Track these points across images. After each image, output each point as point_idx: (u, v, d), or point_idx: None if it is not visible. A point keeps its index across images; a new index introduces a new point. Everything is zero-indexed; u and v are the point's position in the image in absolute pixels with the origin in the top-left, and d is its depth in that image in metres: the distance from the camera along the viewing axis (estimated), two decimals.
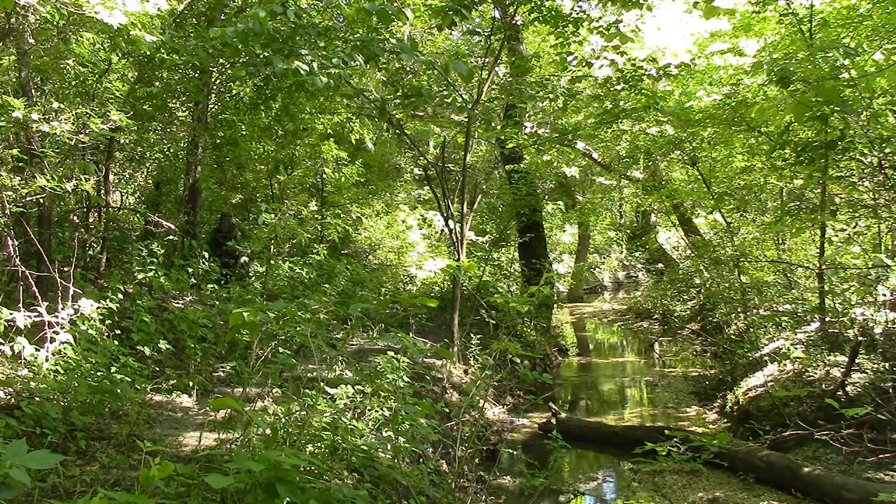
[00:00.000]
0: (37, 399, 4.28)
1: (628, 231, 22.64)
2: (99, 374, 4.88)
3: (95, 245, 7.82)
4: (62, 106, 6.90)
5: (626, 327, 15.92)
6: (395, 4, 5.92)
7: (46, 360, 4.86)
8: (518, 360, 4.88)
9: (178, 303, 6.99)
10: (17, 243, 5.84)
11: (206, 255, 7.88)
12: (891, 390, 5.69)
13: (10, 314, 4.93)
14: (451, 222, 8.57)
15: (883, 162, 6.47)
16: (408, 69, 7.59)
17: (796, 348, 7.18)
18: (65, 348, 5.06)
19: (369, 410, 4.64)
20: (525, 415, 8.04)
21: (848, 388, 6.08)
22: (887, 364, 6.04)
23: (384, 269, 12.25)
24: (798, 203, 8.75)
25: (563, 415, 7.58)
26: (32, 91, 6.62)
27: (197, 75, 7.76)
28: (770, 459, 5.48)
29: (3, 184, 5.73)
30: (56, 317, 5.19)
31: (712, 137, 10.40)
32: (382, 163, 14.77)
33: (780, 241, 11.51)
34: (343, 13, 6.18)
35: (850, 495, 4.69)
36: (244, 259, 8.92)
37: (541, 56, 11.53)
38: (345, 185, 12.55)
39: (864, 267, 7.34)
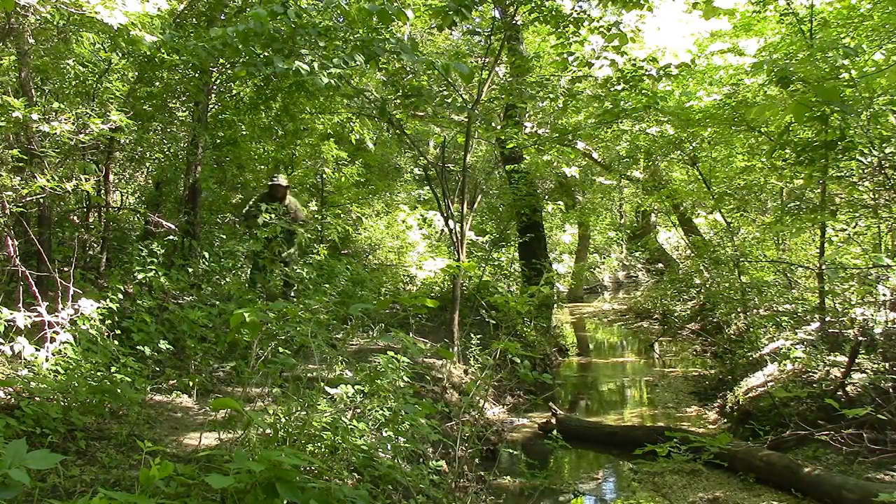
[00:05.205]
0: (37, 399, 4.27)
1: (628, 231, 22.63)
2: (99, 374, 4.88)
3: (95, 245, 7.81)
4: (62, 106, 6.90)
5: (626, 327, 15.92)
6: (396, 4, 5.92)
7: (46, 360, 4.86)
8: (518, 360, 4.88)
9: (178, 303, 6.99)
10: (17, 243, 5.84)
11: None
12: (891, 390, 5.69)
13: (10, 314, 4.92)
14: (451, 222, 8.56)
15: (883, 162, 6.47)
16: (408, 69, 7.59)
17: (796, 348, 7.18)
18: (65, 348, 5.05)
19: (369, 410, 4.64)
20: (525, 415, 8.04)
21: (848, 388, 6.08)
22: (887, 364, 6.04)
23: (384, 269, 12.24)
24: (798, 203, 8.75)
25: (563, 414, 7.58)
26: (32, 91, 6.61)
27: (197, 75, 7.74)
28: (770, 459, 5.48)
29: (3, 184, 5.72)
30: (56, 317, 5.19)
31: (712, 137, 10.40)
32: (382, 163, 14.75)
33: (780, 241, 11.51)
34: (343, 13, 6.17)
35: (850, 495, 4.69)
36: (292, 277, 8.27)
37: (541, 56, 11.52)
38: (345, 185, 12.54)
39: (864, 267, 7.34)
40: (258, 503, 2.78)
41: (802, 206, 8.47)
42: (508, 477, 5.95)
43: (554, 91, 9.17)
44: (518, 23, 9.26)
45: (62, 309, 5.27)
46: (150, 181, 9.96)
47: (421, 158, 10.46)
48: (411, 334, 6.90)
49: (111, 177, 7.81)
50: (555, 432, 5.40)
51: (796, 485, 5.13)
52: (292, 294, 8.07)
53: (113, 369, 5.09)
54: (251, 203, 8.88)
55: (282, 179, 8.89)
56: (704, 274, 11.31)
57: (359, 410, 4.64)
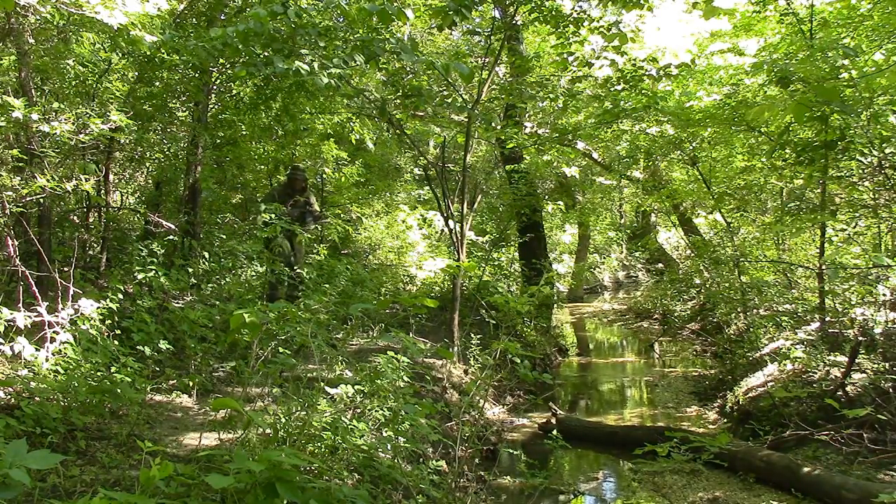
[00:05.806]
0: (37, 399, 4.27)
1: (628, 231, 22.64)
2: (99, 374, 4.88)
3: (95, 245, 7.82)
4: (62, 106, 6.90)
5: (626, 327, 15.92)
6: (396, 4, 5.92)
7: (46, 360, 4.86)
8: (518, 360, 4.88)
9: (178, 303, 6.99)
10: (17, 243, 5.84)
11: (207, 255, 7.82)
12: (891, 390, 5.69)
13: (10, 314, 4.92)
14: (451, 222, 8.56)
15: (883, 162, 6.47)
16: (408, 69, 7.59)
17: (796, 348, 7.19)
18: (65, 348, 5.05)
19: (369, 410, 4.64)
20: (525, 415, 8.04)
21: (848, 388, 6.08)
22: (887, 364, 6.04)
23: (384, 269, 12.24)
24: (798, 203, 8.75)
25: (563, 414, 7.58)
26: (32, 91, 6.62)
27: (197, 75, 7.75)
28: (770, 459, 5.48)
29: (3, 184, 5.73)
30: (56, 317, 5.19)
31: (712, 137, 10.40)
32: (382, 163, 14.77)
33: (780, 241, 11.51)
34: (343, 13, 6.18)
35: (850, 495, 4.69)
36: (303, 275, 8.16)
37: (541, 56, 11.53)
38: (345, 185, 12.55)
39: (864, 267, 7.34)
40: (258, 503, 2.78)
41: (802, 206, 8.48)
42: (508, 477, 5.95)
43: (554, 91, 9.17)
44: (518, 23, 9.25)
45: (62, 309, 5.27)
46: (150, 181, 9.97)
47: (421, 158, 10.46)
48: (411, 334, 6.90)
49: (111, 177, 7.82)
50: (555, 432, 5.41)
51: (796, 485, 5.13)
52: (298, 295, 8.02)
53: (113, 369, 5.09)
54: (269, 194, 8.78)
55: (302, 169, 8.79)
56: (704, 274, 11.31)
57: (359, 410, 4.64)
